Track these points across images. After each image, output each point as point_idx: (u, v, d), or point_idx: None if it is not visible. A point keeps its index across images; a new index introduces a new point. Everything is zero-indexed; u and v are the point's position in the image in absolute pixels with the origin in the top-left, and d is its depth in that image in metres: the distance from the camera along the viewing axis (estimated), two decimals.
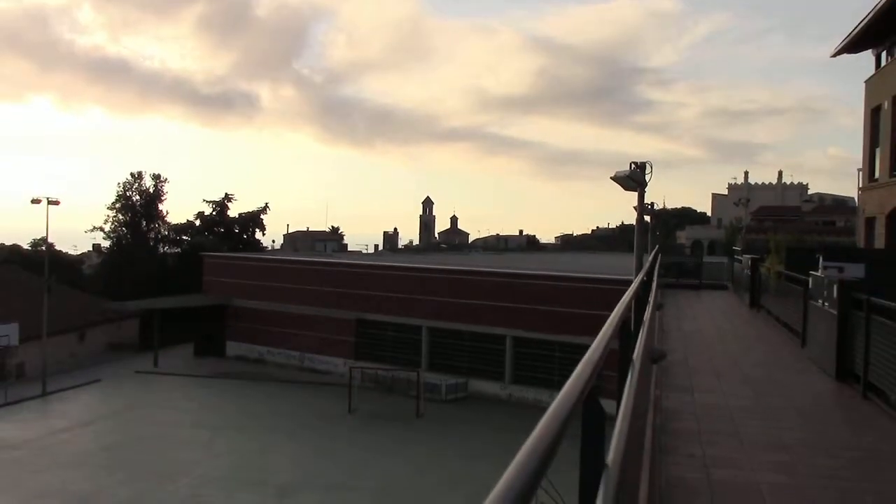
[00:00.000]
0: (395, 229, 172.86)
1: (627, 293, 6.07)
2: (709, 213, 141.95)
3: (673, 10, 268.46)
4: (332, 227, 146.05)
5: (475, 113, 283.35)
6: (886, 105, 28.29)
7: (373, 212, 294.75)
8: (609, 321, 4.24)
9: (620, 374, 4.78)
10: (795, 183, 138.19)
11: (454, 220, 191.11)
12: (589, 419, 2.66)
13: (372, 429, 34.04)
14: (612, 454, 2.86)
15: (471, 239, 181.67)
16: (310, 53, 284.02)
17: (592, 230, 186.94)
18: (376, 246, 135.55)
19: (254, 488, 25.38)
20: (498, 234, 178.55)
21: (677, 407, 9.70)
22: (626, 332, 4.94)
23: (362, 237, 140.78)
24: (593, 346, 3.23)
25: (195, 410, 37.20)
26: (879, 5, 26.09)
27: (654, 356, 8.90)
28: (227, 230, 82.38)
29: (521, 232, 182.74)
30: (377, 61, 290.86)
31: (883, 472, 7.27)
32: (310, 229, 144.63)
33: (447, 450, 30.46)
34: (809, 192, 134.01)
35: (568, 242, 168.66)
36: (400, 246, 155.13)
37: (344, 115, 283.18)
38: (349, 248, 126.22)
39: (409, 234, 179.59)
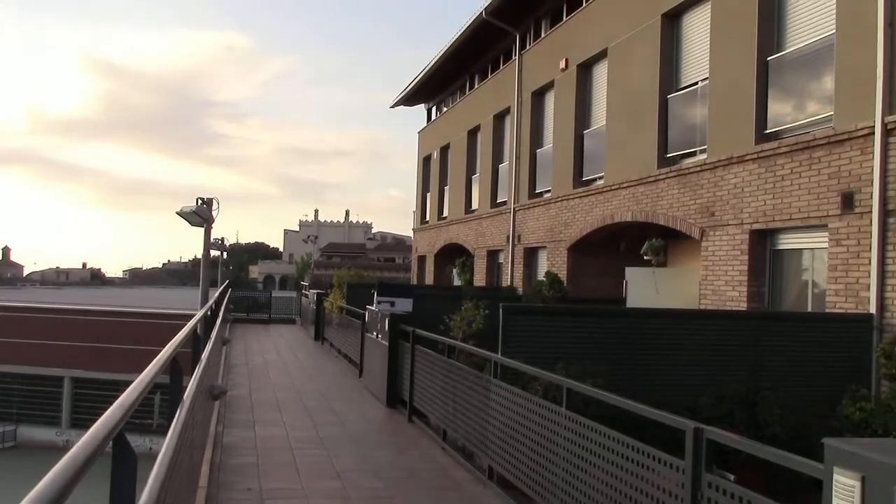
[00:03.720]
0: None
1: (183, 331, 6.01)
2: (281, 249, 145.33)
3: (245, 46, 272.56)
4: None
5: (30, 134, 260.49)
6: (435, 155, 31.51)
7: None
8: (157, 359, 4.18)
9: (170, 413, 4.71)
10: (361, 221, 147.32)
11: (6, 251, 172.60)
12: (118, 461, 2.60)
13: None
14: (145, 496, 2.81)
15: (26, 272, 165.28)
16: None
17: (164, 263, 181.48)
18: None
19: None
20: (58, 267, 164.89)
21: (238, 442, 9.75)
22: (176, 369, 4.88)
23: None
24: (133, 385, 3.17)
25: None
26: (428, 68, 29.13)
27: (214, 392, 8.87)
28: None
29: (84, 265, 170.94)
30: None
31: (419, 487, 8.02)
32: None
33: None
34: (374, 230, 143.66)
35: (137, 276, 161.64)
36: None
37: None
38: None
39: None
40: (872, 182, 9.39)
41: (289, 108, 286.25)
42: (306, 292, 30.40)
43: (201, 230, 14.63)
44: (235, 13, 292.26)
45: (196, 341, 7.02)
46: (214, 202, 14.23)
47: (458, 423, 9.09)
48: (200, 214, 13.69)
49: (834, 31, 10.48)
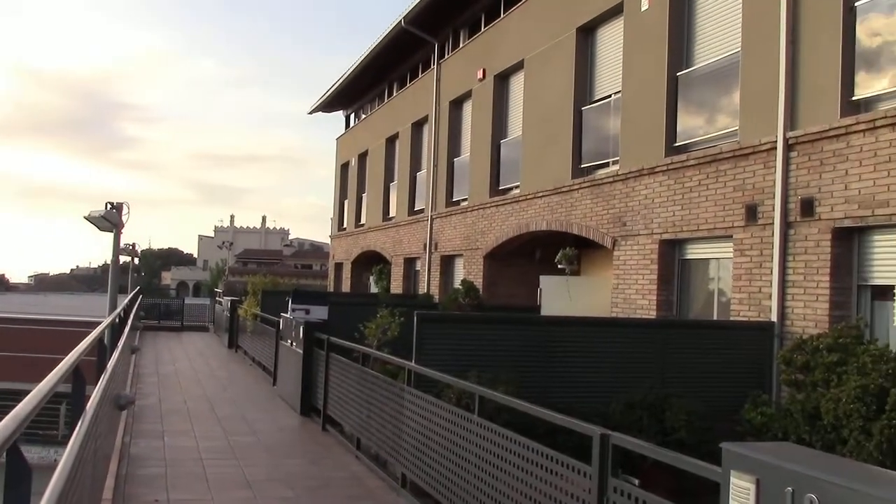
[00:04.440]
0: None
1: (87, 339, 5.85)
2: (196, 255, 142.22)
3: (158, 49, 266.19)
4: None
5: None
6: (353, 161, 31.40)
7: None
8: (57, 369, 4.06)
9: (72, 424, 4.57)
10: (278, 228, 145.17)
11: None
12: (12, 474, 2.52)
13: None
14: None
15: None
16: None
17: (72, 269, 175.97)
18: None
19: None
20: None
21: (146, 453, 9.52)
22: (79, 379, 4.75)
23: None
24: (29, 396, 3.08)
25: None
26: (346, 75, 29.05)
27: (121, 402, 8.63)
28: None
29: None
30: None
31: (332, 496, 7.97)
32: None
33: None
34: (290, 237, 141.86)
35: (43, 282, 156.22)
36: None
37: None
38: None
39: None
40: (774, 195, 9.75)
41: (204, 113, 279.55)
42: (220, 299, 29.84)
43: (111, 235, 14.26)
44: (148, 15, 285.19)
45: (102, 349, 6.84)
46: (125, 207, 13.89)
47: (373, 431, 9.06)
48: (109, 219, 13.35)
49: (739, 49, 10.86)
